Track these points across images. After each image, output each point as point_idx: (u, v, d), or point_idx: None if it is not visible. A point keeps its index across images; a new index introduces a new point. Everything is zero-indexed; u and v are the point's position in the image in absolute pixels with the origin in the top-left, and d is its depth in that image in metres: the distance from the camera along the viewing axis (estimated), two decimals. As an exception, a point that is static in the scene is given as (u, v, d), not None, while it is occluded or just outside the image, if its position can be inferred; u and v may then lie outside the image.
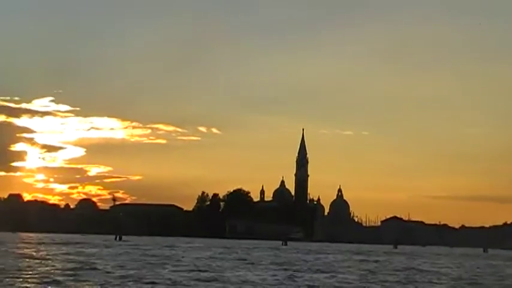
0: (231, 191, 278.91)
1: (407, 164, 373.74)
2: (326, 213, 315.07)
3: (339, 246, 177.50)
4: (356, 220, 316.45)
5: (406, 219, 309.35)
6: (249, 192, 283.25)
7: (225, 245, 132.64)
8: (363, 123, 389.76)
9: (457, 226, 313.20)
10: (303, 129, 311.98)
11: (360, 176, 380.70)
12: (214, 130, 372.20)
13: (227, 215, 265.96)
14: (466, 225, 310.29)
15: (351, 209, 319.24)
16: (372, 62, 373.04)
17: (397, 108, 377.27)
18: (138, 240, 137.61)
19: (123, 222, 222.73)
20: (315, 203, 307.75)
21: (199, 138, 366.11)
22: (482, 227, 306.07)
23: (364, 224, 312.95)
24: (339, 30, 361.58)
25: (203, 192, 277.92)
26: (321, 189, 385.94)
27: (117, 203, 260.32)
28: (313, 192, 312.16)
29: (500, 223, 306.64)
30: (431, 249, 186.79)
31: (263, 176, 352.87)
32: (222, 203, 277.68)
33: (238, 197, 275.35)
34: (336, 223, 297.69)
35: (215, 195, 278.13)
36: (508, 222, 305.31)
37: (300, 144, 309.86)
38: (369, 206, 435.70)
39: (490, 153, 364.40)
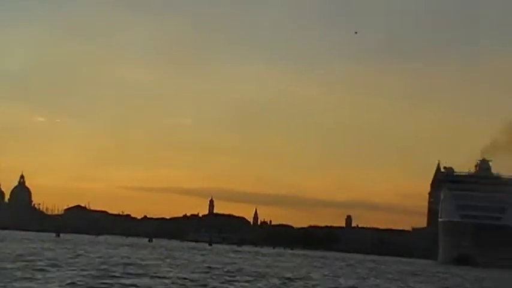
0: None
1: (95, 154, 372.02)
2: (7, 200, 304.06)
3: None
4: (38, 208, 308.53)
5: (90, 208, 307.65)
6: None
7: None
8: (58, 110, 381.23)
9: (139, 217, 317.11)
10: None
11: (46, 164, 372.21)
12: None
13: None
14: (148, 216, 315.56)
15: (33, 196, 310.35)
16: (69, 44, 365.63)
17: (93, 97, 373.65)
18: None
19: None
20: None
21: None
22: (163, 218, 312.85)
23: (46, 212, 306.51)
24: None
25: None
26: (3, 174, 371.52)
27: None
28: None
29: (181, 215, 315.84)
30: (98, 239, 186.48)
31: None
32: None
33: None
34: (16, 210, 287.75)
35: None
36: (188, 215, 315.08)
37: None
38: (53, 195, 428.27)
39: (179, 144, 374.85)
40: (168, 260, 72.66)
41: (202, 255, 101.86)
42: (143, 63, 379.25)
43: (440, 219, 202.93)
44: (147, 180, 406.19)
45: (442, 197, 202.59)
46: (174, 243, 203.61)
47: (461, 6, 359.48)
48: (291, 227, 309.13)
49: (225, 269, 60.06)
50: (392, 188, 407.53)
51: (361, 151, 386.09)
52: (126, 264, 57.20)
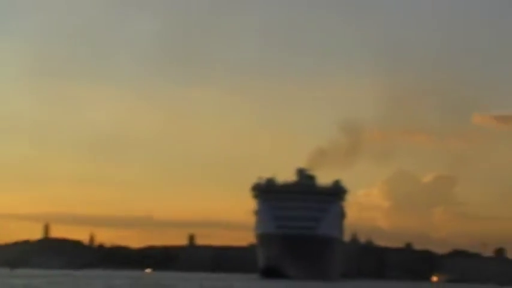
0: None
1: None
2: None
3: None
4: None
5: None
6: None
7: None
8: None
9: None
10: None
11: None
12: None
13: None
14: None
15: None
16: None
17: None
18: None
19: None
20: None
21: None
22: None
23: None
24: None
25: None
26: None
27: None
28: None
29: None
30: None
31: None
32: None
33: None
34: None
35: None
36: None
37: None
38: None
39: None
40: None
41: None
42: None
43: (256, 232, 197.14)
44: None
45: (257, 208, 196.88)
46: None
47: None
48: (128, 248, 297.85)
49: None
50: (235, 204, 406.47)
51: (196, 168, 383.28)
52: None
